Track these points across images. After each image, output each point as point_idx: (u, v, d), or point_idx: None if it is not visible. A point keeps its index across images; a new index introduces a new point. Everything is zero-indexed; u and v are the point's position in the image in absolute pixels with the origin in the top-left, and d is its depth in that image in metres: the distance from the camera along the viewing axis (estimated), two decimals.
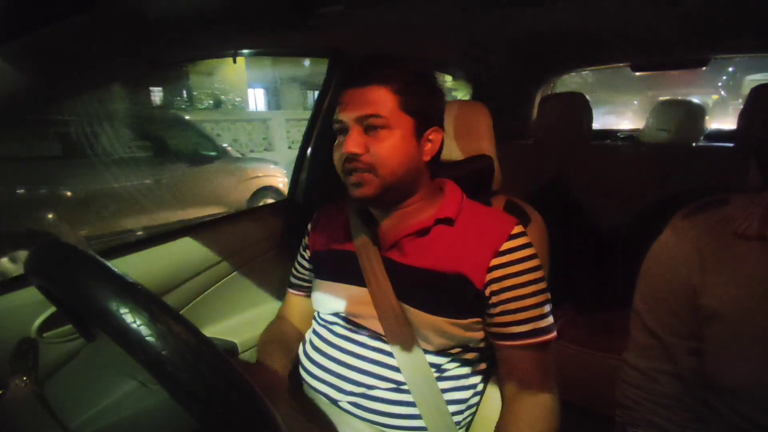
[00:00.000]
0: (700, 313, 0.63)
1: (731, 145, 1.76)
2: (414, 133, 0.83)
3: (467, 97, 2.31)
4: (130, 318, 0.43)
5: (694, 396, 0.66)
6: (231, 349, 1.17)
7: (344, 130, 0.83)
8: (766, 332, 0.58)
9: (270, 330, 1.07)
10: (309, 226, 1.04)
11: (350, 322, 0.88)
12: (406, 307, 0.84)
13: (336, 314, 0.90)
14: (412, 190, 0.87)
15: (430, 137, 0.86)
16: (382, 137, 0.81)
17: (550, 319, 0.84)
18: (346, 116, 0.82)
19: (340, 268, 0.92)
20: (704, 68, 2.15)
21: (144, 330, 0.43)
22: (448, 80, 2.38)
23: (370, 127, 0.81)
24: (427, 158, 0.86)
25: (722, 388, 0.62)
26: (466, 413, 0.88)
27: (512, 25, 1.63)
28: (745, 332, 0.59)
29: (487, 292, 0.82)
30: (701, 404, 0.66)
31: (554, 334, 0.83)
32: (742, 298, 0.59)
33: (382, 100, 0.81)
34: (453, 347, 0.84)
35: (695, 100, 2.12)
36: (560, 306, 0.87)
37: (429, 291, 0.83)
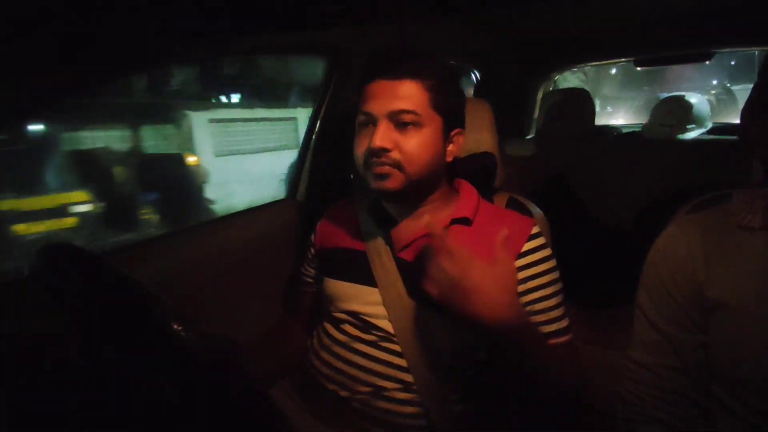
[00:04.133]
0: (705, 306, 0.63)
1: (734, 138, 1.75)
2: (442, 132, 0.82)
3: None
4: (137, 320, 0.43)
5: (699, 391, 0.66)
6: (234, 347, 1.17)
7: (371, 123, 0.81)
8: None
9: (278, 326, 1.07)
10: (317, 225, 1.03)
11: (361, 321, 0.87)
12: (420, 308, 0.83)
13: (346, 313, 0.89)
14: (432, 190, 0.87)
15: (454, 138, 0.85)
16: (412, 134, 0.79)
17: (568, 320, 0.83)
18: (376, 109, 0.80)
19: (350, 268, 0.90)
20: (707, 62, 2.14)
21: (152, 334, 0.43)
22: None
23: (401, 123, 0.79)
24: (449, 159, 0.85)
25: (730, 380, 0.62)
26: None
27: (514, 20, 1.62)
28: (752, 322, 0.59)
29: None
30: (707, 399, 0.66)
31: (572, 333, 0.83)
32: (749, 289, 0.60)
33: (415, 95, 0.79)
34: (465, 349, 0.84)
35: (699, 96, 2.12)
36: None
37: None
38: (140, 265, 1.06)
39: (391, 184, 0.81)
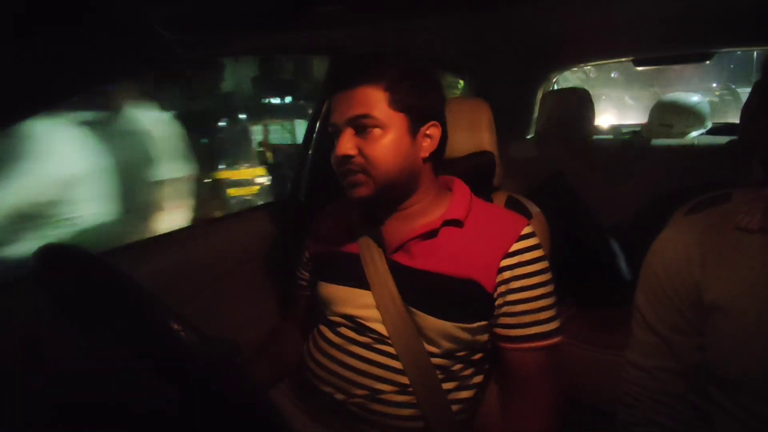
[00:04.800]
0: (703, 308, 0.63)
1: (734, 138, 1.75)
2: (408, 130, 0.82)
3: None
4: (141, 324, 0.43)
5: (696, 393, 0.66)
6: (233, 348, 1.17)
7: (338, 133, 0.82)
8: None
9: (275, 329, 1.07)
10: (310, 227, 1.03)
11: (355, 324, 0.87)
12: (414, 311, 0.83)
13: (340, 316, 0.89)
14: (411, 188, 0.86)
15: (427, 133, 0.84)
16: (374, 137, 0.80)
17: (558, 322, 0.83)
18: (337, 119, 0.82)
19: (343, 271, 0.90)
20: (707, 62, 2.14)
21: (153, 335, 0.43)
22: None
23: (361, 127, 0.80)
24: (425, 155, 0.85)
25: (727, 382, 0.62)
26: (470, 411, 0.88)
27: (514, 20, 1.62)
28: (749, 325, 0.59)
29: (496, 294, 0.81)
30: (704, 401, 0.66)
31: (561, 337, 0.83)
32: (746, 291, 0.59)
33: (371, 99, 0.80)
34: (460, 350, 0.83)
35: (699, 95, 2.12)
36: (561, 302, 0.86)
37: (438, 295, 0.82)
38: (140, 265, 1.06)
39: (362, 191, 0.82)
